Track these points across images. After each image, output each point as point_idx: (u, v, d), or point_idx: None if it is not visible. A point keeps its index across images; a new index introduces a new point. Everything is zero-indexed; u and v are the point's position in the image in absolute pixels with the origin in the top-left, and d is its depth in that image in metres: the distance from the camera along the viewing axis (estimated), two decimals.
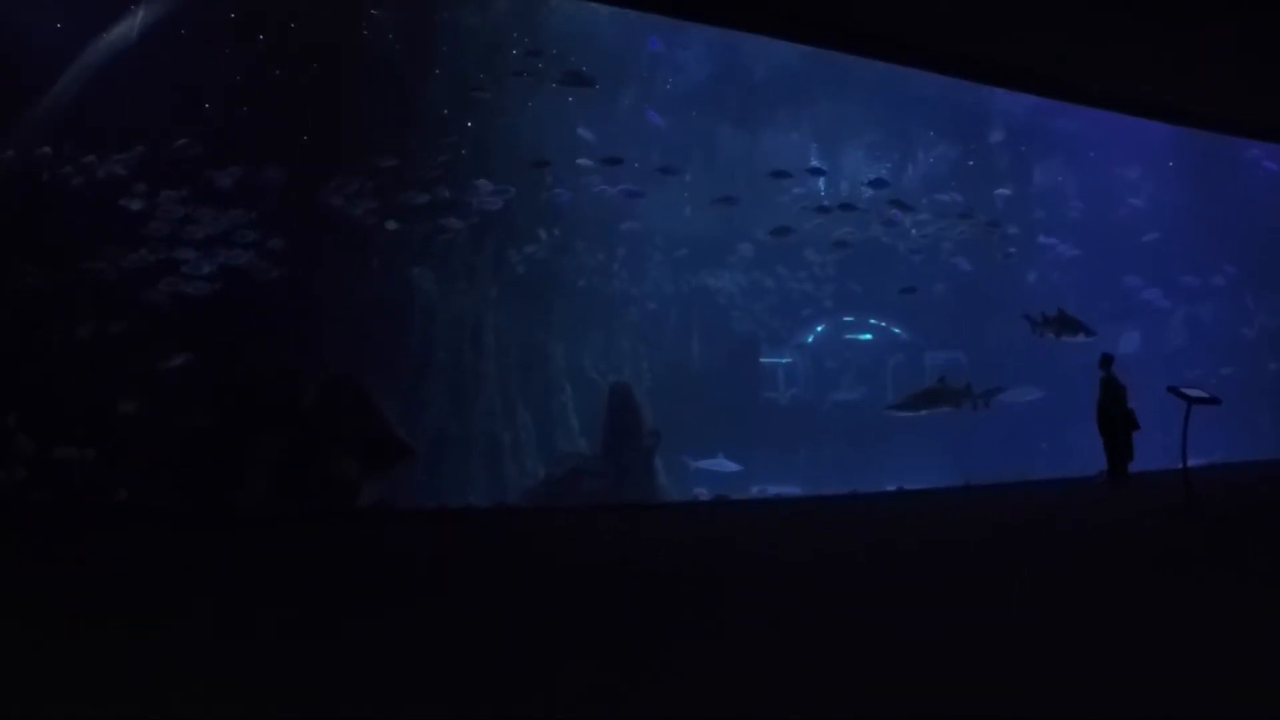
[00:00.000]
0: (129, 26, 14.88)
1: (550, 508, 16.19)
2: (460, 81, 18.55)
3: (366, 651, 4.81)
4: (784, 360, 25.62)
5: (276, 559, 8.81)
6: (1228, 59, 15.44)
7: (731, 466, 21.77)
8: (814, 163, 24.64)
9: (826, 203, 23.93)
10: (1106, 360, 15.43)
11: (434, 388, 18.33)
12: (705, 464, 21.72)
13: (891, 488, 18.24)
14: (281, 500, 14.55)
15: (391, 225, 17.02)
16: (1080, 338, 19.36)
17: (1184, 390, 12.46)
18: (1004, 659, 4.57)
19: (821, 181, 25.00)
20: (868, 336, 26.47)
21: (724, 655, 4.74)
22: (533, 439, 20.05)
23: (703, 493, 19.42)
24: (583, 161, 20.48)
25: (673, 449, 19.51)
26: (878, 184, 23.72)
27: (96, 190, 14.51)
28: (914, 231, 24.79)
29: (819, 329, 26.15)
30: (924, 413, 19.85)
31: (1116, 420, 14.82)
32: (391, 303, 17.46)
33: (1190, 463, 11.99)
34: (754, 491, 20.58)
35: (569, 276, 21.52)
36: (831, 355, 26.01)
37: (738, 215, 22.82)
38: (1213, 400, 12.41)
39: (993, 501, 14.06)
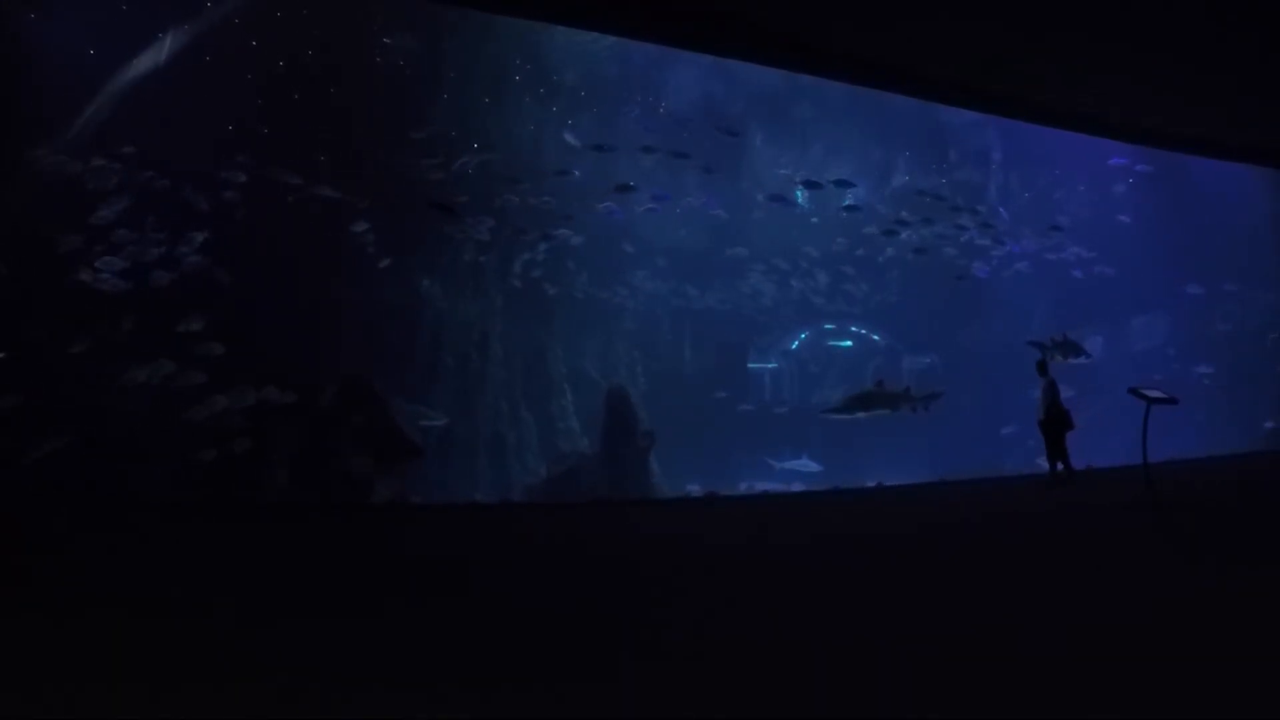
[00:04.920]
0: (157, 52, 15.76)
1: (552, 503, 17.01)
2: (466, 104, 19.47)
3: (450, 625, 5.65)
4: (770, 365, 26.54)
5: (300, 550, 9.34)
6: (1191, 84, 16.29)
7: (813, 467, 22.71)
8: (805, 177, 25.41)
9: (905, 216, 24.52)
10: (1043, 366, 16.07)
11: (443, 390, 19.15)
12: (789, 464, 22.73)
13: (872, 483, 19.02)
14: (299, 495, 15.27)
15: (361, 227, 17.30)
16: (1082, 359, 20.47)
17: (1144, 391, 13.45)
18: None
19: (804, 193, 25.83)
20: (848, 344, 27.41)
21: (723, 628, 5.64)
22: (535, 438, 20.97)
23: (695, 489, 20.19)
24: (573, 172, 20.85)
25: (667, 448, 20.34)
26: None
27: (128, 199, 15.26)
28: (904, 235, 25.56)
29: (803, 335, 27.09)
30: (861, 415, 20.19)
31: (1059, 421, 15.55)
32: (404, 309, 18.29)
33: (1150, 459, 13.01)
34: (742, 488, 21.47)
35: (570, 286, 22.35)
36: (815, 360, 26.94)
37: (729, 228, 23.79)
38: (1170, 400, 13.39)
39: (963, 495, 15.01)
